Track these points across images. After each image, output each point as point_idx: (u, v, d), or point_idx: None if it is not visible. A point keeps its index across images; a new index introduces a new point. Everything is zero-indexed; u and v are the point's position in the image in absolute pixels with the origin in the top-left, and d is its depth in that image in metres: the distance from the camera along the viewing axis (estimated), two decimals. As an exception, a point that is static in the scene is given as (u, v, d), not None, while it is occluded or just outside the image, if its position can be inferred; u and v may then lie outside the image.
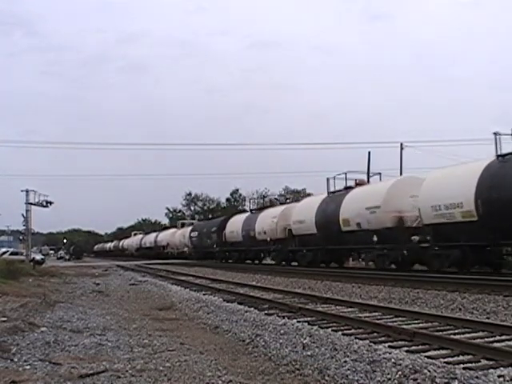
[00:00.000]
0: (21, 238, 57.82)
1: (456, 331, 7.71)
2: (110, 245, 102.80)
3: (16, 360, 6.66)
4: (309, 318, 9.26)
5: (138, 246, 71.63)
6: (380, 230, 21.15)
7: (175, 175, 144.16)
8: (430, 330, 7.79)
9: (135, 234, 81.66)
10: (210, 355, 7.09)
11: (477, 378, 4.99)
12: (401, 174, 33.56)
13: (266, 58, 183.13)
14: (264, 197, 67.36)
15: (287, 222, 29.96)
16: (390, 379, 5.34)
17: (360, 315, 9.62)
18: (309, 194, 63.22)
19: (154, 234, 66.12)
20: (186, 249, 49.74)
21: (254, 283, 18.77)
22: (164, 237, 59.84)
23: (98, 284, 21.21)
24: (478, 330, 7.68)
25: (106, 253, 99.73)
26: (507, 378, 5.01)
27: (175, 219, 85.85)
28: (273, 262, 33.83)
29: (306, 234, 27.24)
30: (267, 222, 32.28)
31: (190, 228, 50.84)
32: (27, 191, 41.42)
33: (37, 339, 8.04)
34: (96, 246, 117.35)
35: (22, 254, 43.54)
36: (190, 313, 11.78)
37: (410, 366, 5.43)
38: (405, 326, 7.91)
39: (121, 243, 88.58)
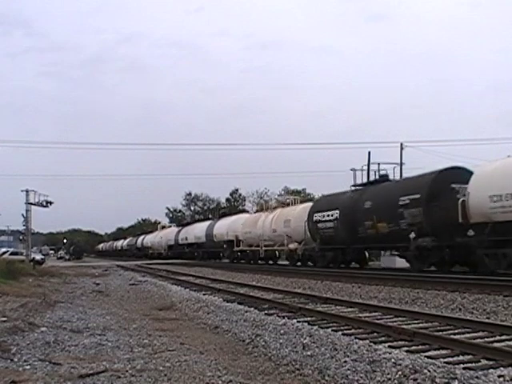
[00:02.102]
0: (21, 238, 57.84)
1: (456, 331, 7.71)
2: (121, 243, 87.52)
3: (16, 360, 6.66)
4: (309, 318, 9.25)
5: (173, 242, 53.65)
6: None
7: (175, 175, 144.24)
8: (430, 330, 7.79)
9: (163, 227, 65.68)
10: (210, 355, 7.09)
11: (477, 378, 4.99)
12: (401, 174, 33.56)
13: (266, 59, 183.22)
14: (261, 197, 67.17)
15: None
16: (390, 379, 5.34)
17: (360, 315, 9.62)
18: (309, 194, 63.36)
19: (203, 224, 46.60)
20: (293, 245, 28.62)
21: (253, 283, 18.77)
22: (230, 226, 38.42)
23: (98, 284, 21.23)
24: (477, 330, 7.68)
25: (117, 252, 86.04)
26: (507, 378, 5.01)
27: (175, 219, 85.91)
28: None
29: None
30: None
31: (302, 206, 29.82)
32: (27, 191, 41.41)
33: (37, 339, 8.04)
34: (101, 245, 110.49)
35: (22, 254, 43.53)
36: (190, 313, 11.78)
37: (410, 366, 5.42)
38: (405, 326, 7.90)
39: (139, 240, 70.88)
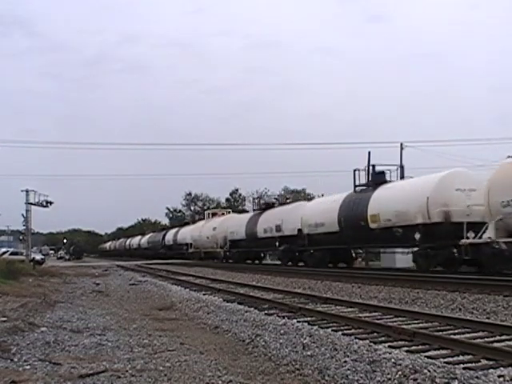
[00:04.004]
0: (21, 238, 57.81)
1: (456, 331, 7.71)
2: (138, 240, 71.82)
3: (16, 360, 6.67)
4: (309, 318, 9.26)
5: (243, 235, 35.23)
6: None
7: (175, 175, 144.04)
8: (430, 330, 7.79)
9: (213, 215, 45.85)
10: (210, 355, 7.09)
11: (477, 378, 4.99)
12: (402, 174, 33.50)
13: (266, 58, 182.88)
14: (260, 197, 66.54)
15: None
16: (390, 379, 5.34)
17: (360, 315, 9.62)
18: (309, 194, 63.40)
19: (328, 200, 27.36)
20: None
21: (253, 283, 18.76)
22: (437, 194, 19.22)
23: (98, 284, 21.23)
24: (477, 330, 7.68)
25: (131, 252, 72.68)
26: (507, 378, 5.01)
27: (175, 219, 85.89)
28: None
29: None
30: None
31: None
32: (27, 191, 41.41)
33: (37, 339, 8.05)
34: (108, 244, 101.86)
35: (22, 254, 43.53)
36: (190, 313, 11.78)
37: (410, 366, 5.42)
38: (405, 326, 7.90)
39: (170, 235, 54.36)
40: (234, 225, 38.03)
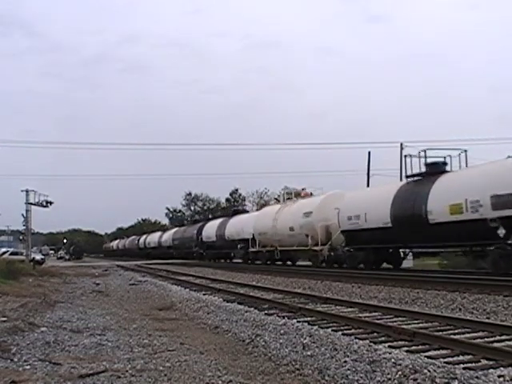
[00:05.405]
0: (21, 238, 57.76)
1: (456, 331, 7.70)
2: (157, 238, 58.49)
3: (16, 360, 6.67)
4: (309, 318, 9.25)
5: (387, 220, 19.22)
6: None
7: (175, 175, 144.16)
8: (430, 330, 7.78)
9: (297, 195, 31.85)
10: (210, 355, 7.09)
11: (477, 378, 4.99)
12: (401, 174, 33.47)
13: (266, 58, 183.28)
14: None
15: None
16: (390, 379, 5.34)
17: (360, 315, 9.62)
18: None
19: None
20: None
21: (253, 283, 18.76)
22: None
23: (98, 284, 21.23)
24: (477, 330, 7.68)
25: (146, 253, 59.52)
26: (507, 378, 5.01)
27: (175, 219, 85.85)
28: None
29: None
30: None
31: None
32: (27, 191, 41.39)
33: (37, 339, 8.05)
34: (115, 242, 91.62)
35: (22, 254, 43.52)
36: (190, 313, 11.78)
37: (410, 366, 5.42)
38: (405, 326, 7.90)
39: (208, 230, 41.60)
40: (354, 205, 21.93)
